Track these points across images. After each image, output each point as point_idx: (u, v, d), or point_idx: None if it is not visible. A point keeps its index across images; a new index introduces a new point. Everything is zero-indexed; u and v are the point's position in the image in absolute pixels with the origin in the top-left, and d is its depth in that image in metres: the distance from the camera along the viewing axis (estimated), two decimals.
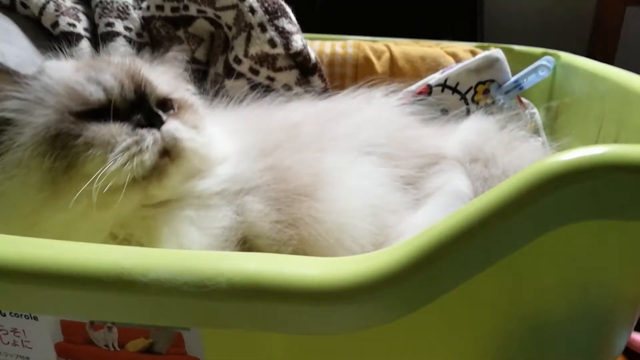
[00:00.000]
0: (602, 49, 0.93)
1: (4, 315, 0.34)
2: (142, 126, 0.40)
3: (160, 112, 0.42)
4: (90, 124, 0.40)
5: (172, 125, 0.41)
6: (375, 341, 0.29)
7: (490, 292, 0.29)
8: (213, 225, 0.41)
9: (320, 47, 0.77)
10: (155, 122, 0.40)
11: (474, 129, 0.59)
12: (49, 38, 0.70)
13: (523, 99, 0.72)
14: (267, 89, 0.68)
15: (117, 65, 0.43)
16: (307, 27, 0.77)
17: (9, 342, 0.35)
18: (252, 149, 0.47)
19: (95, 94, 0.41)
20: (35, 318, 0.33)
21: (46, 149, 0.39)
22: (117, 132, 0.39)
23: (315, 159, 0.49)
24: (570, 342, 0.32)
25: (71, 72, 0.43)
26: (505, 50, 0.77)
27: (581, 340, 0.33)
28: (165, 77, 0.47)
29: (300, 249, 0.43)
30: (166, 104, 0.44)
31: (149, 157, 0.39)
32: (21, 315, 0.33)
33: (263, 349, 0.31)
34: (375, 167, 0.51)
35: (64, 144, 0.39)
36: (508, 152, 0.56)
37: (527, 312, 0.30)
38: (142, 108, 0.41)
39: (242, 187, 0.44)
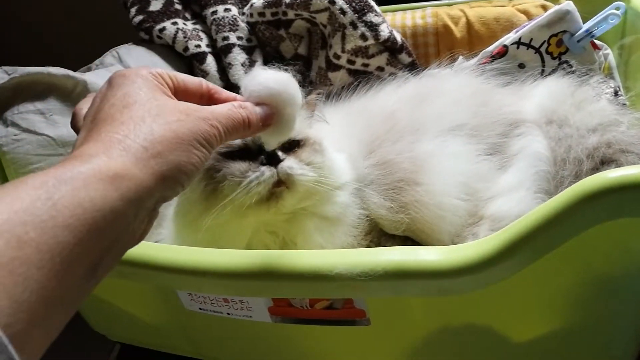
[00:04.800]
0: None
1: None
2: (264, 164, 0.53)
3: (280, 153, 0.53)
4: (230, 161, 0.54)
5: (286, 163, 0.53)
6: (486, 297, 0.45)
7: (568, 259, 0.42)
8: (339, 232, 0.56)
9: (402, 20, 0.87)
10: (273, 162, 0.53)
11: (549, 94, 0.68)
12: (181, 57, 0.87)
13: (597, 41, 0.79)
14: (364, 73, 0.81)
15: None
16: None
17: (237, 308, 0.55)
18: (362, 149, 0.61)
19: (236, 141, 0.55)
20: None
21: (202, 177, 0.55)
22: (245, 169, 0.53)
23: (411, 148, 0.61)
24: (628, 290, 0.45)
25: None
26: None
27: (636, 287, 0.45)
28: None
29: (412, 225, 0.58)
30: (291, 143, 0.56)
31: (264, 187, 0.52)
32: None
33: (404, 302, 0.48)
34: (463, 146, 0.62)
35: (211, 175, 0.54)
36: (579, 111, 0.65)
37: (596, 271, 0.44)
38: (267, 150, 0.54)
39: (361, 184, 0.59)
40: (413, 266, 0.42)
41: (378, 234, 0.59)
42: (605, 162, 0.59)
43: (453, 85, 0.70)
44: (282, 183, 0.53)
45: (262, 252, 0.48)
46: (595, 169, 0.59)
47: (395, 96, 0.70)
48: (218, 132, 0.38)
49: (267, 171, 0.53)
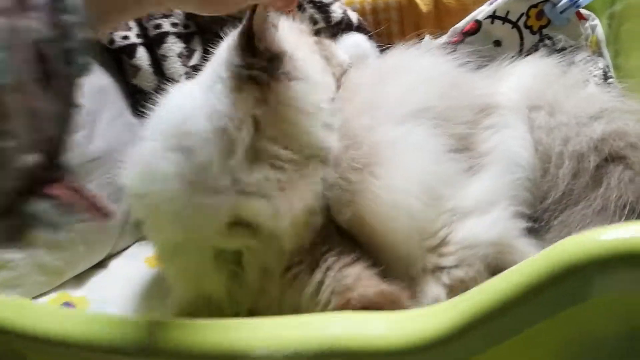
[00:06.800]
0: None
1: None
2: None
3: None
4: None
5: None
6: None
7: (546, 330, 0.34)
8: None
9: None
10: None
11: (532, 73, 0.57)
12: (107, 51, 0.76)
13: (583, 11, 0.68)
14: None
15: None
16: None
17: None
18: None
19: None
20: None
21: None
22: None
23: (371, 128, 0.51)
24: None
25: None
26: None
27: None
28: None
29: (358, 215, 0.48)
30: None
31: None
32: None
33: None
34: (427, 137, 0.51)
35: None
36: (572, 96, 0.54)
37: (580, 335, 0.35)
38: None
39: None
40: (356, 344, 0.34)
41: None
42: (611, 160, 0.50)
43: (420, 63, 0.59)
44: None
45: (151, 319, 0.39)
46: (601, 167, 0.50)
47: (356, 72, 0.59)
48: None
49: None
